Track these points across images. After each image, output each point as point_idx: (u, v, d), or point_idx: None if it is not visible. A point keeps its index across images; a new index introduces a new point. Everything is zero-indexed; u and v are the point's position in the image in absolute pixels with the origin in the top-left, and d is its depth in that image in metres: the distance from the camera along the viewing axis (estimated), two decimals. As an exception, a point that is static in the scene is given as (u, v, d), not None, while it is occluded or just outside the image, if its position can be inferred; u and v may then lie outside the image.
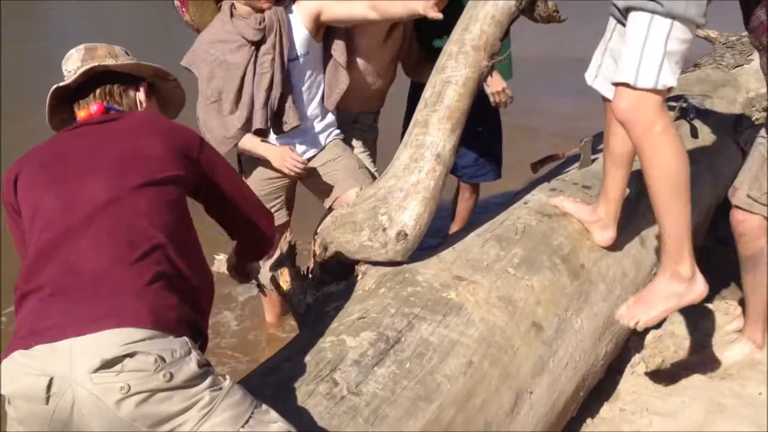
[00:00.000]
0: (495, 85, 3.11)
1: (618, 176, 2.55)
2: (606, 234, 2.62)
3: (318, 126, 3.06)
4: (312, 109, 3.02)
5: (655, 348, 2.91)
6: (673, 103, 3.66)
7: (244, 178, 2.97)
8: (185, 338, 1.46)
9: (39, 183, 1.62)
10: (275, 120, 2.92)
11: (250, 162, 3.04)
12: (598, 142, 3.04)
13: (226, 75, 2.87)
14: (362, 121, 3.27)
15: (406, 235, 2.29)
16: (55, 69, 1.95)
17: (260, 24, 2.83)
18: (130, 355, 1.37)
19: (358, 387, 1.79)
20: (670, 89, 2.09)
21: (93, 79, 1.81)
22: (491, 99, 3.17)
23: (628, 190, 2.64)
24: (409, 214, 2.31)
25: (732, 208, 2.72)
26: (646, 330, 2.98)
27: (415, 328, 2.01)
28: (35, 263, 1.52)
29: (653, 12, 2.01)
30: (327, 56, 3.02)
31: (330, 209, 2.90)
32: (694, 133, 3.57)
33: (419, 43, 3.26)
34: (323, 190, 3.05)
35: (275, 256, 2.62)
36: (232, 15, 2.87)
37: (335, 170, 3.02)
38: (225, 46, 2.87)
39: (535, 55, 6.55)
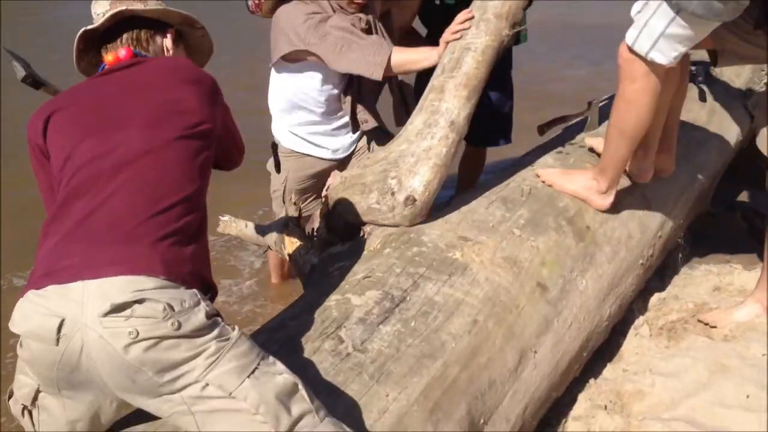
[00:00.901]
0: None
1: (629, 153, 2.56)
2: (607, 200, 2.60)
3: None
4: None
5: (659, 310, 2.93)
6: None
7: (280, 173, 2.98)
8: (195, 290, 1.48)
9: (73, 129, 1.62)
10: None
11: (294, 158, 2.96)
12: (606, 105, 3.01)
13: (338, 22, 2.70)
14: None
15: (415, 200, 2.29)
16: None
17: (365, 24, 2.76)
18: (140, 301, 1.39)
19: (363, 344, 1.80)
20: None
21: (121, 24, 1.80)
22: None
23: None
24: (419, 180, 2.31)
25: None
26: (651, 293, 3.01)
27: (420, 288, 2.02)
28: (62, 205, 1.54)
29: None
30: None
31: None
32: (702, 97, 3.55)
33: (429, 37, 3.24)
34: None
35: (281, 218, 2.64)
36: (334, 11, 2.75)
37: None
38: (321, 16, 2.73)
39: (549, 21, 6.49)
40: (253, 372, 1.46)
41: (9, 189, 4.32)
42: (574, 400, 2.47)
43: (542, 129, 3.08)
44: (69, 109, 1.66)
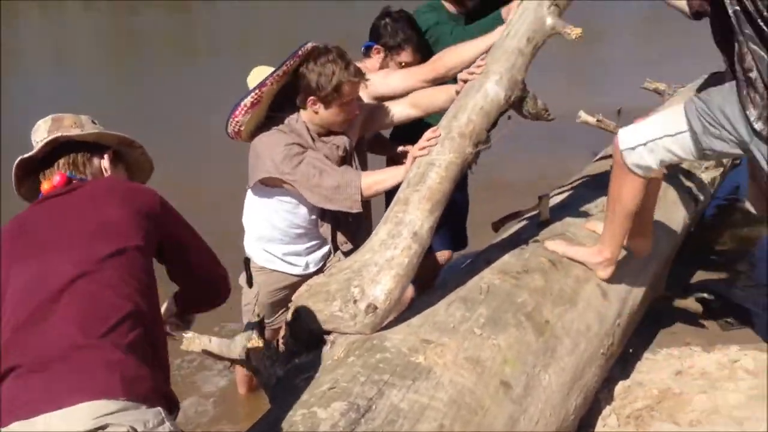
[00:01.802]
0: None
1: (628, 225, 2.82)
2: (609, 271, 2.88)
3: None
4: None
5: (624, 399, 2.96)
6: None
7: (252, 287, 2.96)
8: (159, 408, 1.49)
9: (6, 261, 1.64)
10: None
11: (266, 273, 2.99)
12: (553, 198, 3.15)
13: (314, 157, 2.77)
14: None
15: (376, 308, 2.33)
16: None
17: (342, 151, 2.85)
18: (102, 427, 1.40)
19: (331, 459, 1.80)
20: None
21: (58, 149, 1.84)
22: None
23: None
24: (381, 289, 2.36)
25: None
26: (615, 381, 3.05)
27: (385, 395, 2.04)
28: (9, 343, 1.53)
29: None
30: None
31: None
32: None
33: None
34: None
35: (245, 331, 2.64)
36: (313, 139, 2.82)
37: None
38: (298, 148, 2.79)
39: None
40: None
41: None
42: (547, 498, 2.46)
43: (497, 226, 3.18)
44: (2, 241, 1.68)
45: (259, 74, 2.88)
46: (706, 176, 4.23)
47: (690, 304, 3.61)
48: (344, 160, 2.87)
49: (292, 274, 2.97)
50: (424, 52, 3.22)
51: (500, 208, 3.64)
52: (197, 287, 1.99)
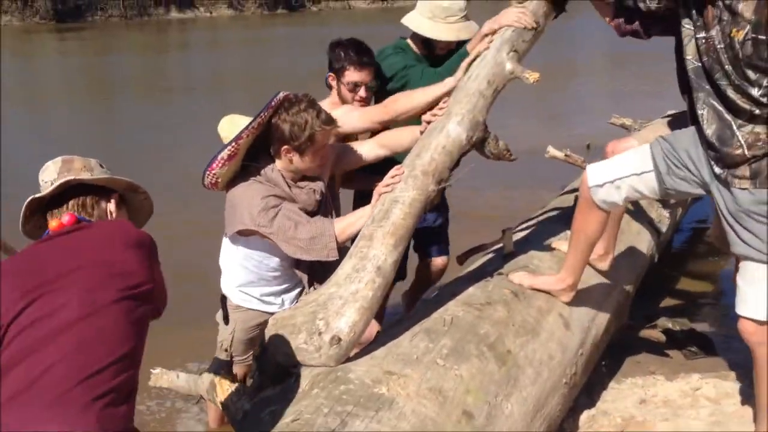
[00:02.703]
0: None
1: (588, 253, 2.95)
2: (570, 295, 2.99)
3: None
4: None
5: (589, 427, 3.02)
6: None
7: (229, 324, 3.03)
8: None
9: (12, 295, 1.67)
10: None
11: (242, 311, 3.04)
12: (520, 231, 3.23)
13: (289, 209, 2.85)
14: None
15: (340, 340, 2.38)
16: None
17: (319, 195, 2.94)
18: None
19: (292, 488, 1.83)
20: None
21: (67, 191, 1.91)
22: None
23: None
24: (345, 321, 2.42)
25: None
26: (580, 410, 3.10)
27: (348, 426, 2.07)
28: (4, 371, 1.57)
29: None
30: None
31: None
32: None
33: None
34: None
35: (213, 366, 2.67)
36: (289, 186, 2.89)
37: None
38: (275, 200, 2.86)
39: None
40: None
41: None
42: None
43: (461, 259, 3.24)
44: (9, 274, 1.72)
45: (230, 123, 2.96)
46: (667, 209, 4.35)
47: (654, 333, 3.68)
48: (320, 203, 2.95)
49: (267, 312, 3.01)
50: (370, 69, 3.30)
51: (468, 241, 3.72)
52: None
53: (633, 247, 3.78)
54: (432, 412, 2.23)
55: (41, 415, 1.50)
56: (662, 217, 4.23)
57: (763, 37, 2.30)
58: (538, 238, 3.48)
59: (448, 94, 2.87)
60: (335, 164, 3.13)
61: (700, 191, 2.69)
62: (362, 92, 3.27)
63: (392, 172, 2.69)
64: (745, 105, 2.41)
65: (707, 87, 2.51)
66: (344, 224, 2.83)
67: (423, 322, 2.66)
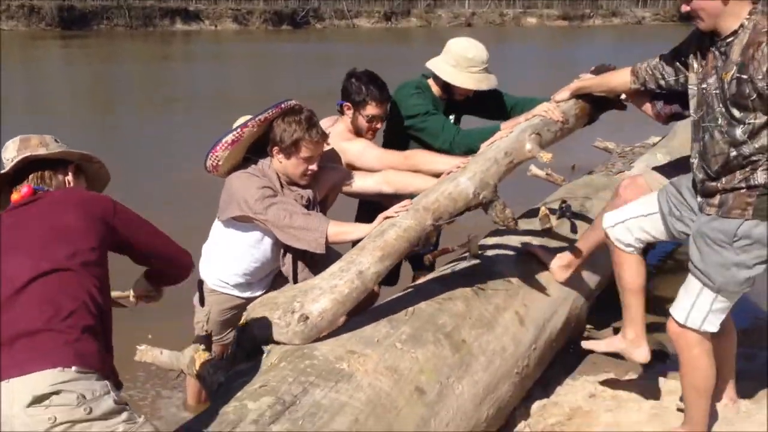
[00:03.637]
0: None
1: (637, 303, 3.12)
2: (642, 351, 3.14)
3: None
4: None
5: (540, 416, 3.27)
6: (553, 207, 4.20)
7: (204, 306, 3.29)
8: (105, 382, 1.79)
9: None
10: None
11: (217, 294, 3.29)
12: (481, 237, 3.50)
13: (284, 199, 3.11)
14: None
15: (307, 318, 2.63)
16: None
17: (306, 201, 3.18)
18: (57, 392, 1.70)
19: (255, 441, 2.09)
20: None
21: (28, 166, 2.16)
22: None
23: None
24: (317, 307, 2.67)
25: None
26: (532, 399, 3.36)
27: (309, 393, 2.33)
28: None
29: (703, 284, 2.75)
30: None
31: None
32: (574, 229, 4.07)
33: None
34: None
35: (192, 344, 2.93)
36: (282, 186, 3.15)
37: None
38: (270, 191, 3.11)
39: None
40: None
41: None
42: (460, 498, 2.74)
43: (429, 260, 3.50)
44: None
45: (245, 120, 3.24)
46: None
47: (603, 333, 3.95)
48: (307, 209, 3.17)
49: (240, 297, 3.27)
50: (387, 103, 3.58)
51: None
52: (159, 269, 2.35)
53: (595, 258, 4.03)
54: (386, 386, 2.49)
55: (28, 354, 1.74)
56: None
57: (745, 76, 2.53)
58: (503, 247, 3.74)
59: None
60: (333, 187, 3.39)
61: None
62: (378, 125, 3.56)
63: (400, 204, 2.97)
64: (724, 147, 2.64)
65: (700, 134, 2.76)
66: (339, 229, 3.06)
67: (386, 312, 2.92)
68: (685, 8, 2.70)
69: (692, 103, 2.80)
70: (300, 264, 3.27)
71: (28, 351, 1.75)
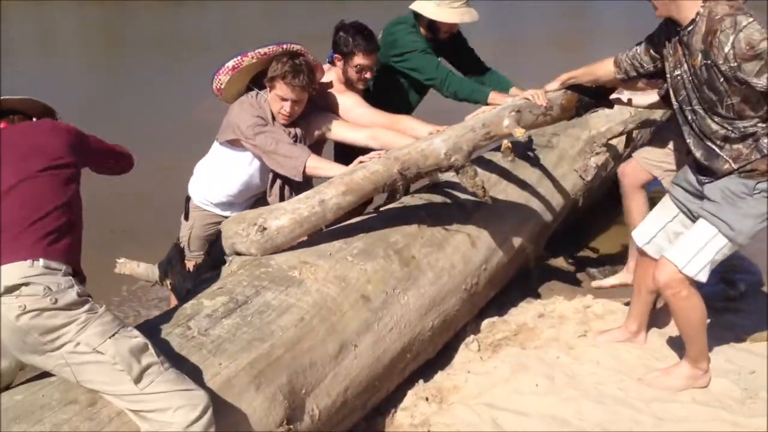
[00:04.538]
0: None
1: (645, 302, 3.37)
2: (641, 337, 3.41)
3: None
4: None
5: (489, 332, 3.54)
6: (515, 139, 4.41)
7: (188, 220, 3.55)
8: (70, 277, 2.06)
9: None
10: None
11: (200, 209, 3.53)
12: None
13: (274, 129, 3.33)
14: None
15: (265, 229, 2.89)
16: None
17: (293, 137, 3.37)
18: (26, 284, 1.98)
19: (206, 331, 2.37)
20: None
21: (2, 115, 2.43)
22: None
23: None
24: (276, 223, 2.93)
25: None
26: (483, 316, 3.63)
27: (261, 295, 2.62)
28: None
29: (719, 230, 2.87)
30: None
31: None
32: (536, 162, 4.29)
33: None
34: None
35: (167, 257, 3.22)
36: (274, 118, 3.34)
37: None
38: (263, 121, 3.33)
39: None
40: (113, 335, 2.04)
41: None
42: (404, 396, 3.04)
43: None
44: None
45: None
46: (598, 158, 4.81)
47: (562, 263, 4.20)
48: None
49: (221, 215, 3.52)
50: (376, 54, 3.70)
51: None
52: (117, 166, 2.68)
53: (556, 187, 4.26)
54: (333, 293, 2.76)
55: (5, 249, 2.01)
56: (589, 167, 4.70)
57: (710, 62, 2.73)
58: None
59: None
60: (322, 134, 3.57)
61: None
62: (368, 75, 3.70)
63: (375, 152, 3.20)
64: (717, 127, 2.83)
65: (688, 117, 2.95)
66: (318, 164, 3.30)
67: (343, 229, 3.18)
68: None
69: (671, 90, 2.99)
70: (287, 193, 3.51)
71: (4, 244, 2.03)
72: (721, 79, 2.73)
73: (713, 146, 2.89)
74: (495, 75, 4.14)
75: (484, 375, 3.10)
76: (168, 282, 3.11)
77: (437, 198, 3.65)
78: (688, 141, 3.00)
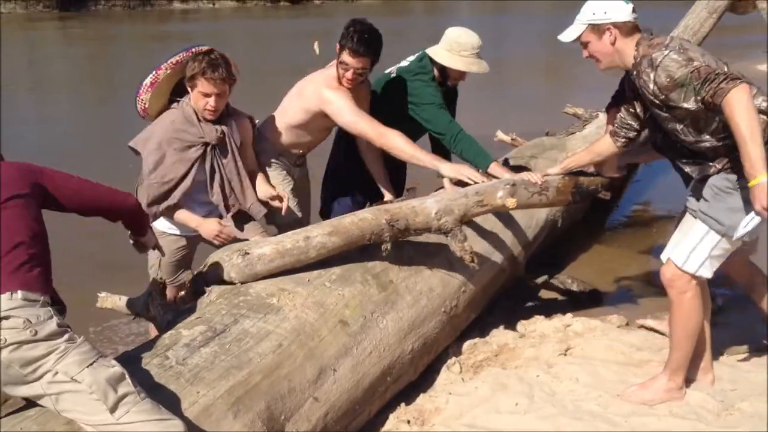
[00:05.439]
0: None
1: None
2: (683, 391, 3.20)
3: None
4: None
5: (470, 353, 3.58)
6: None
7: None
8: (49, 308, 2.11)
9: None
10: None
11: (164, 237, 3.51)
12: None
13: (173, 166, 3.37)
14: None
15: (246, 254, 2.93)
16: None
17: (221, 133, 3.43)
18: (5, 317, 2.03)
19: (184, 360, 2.41)
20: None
21: None
22: None
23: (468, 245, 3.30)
24: (259, 251, 2.98)
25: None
26: (465, 338, 3.67)
27: (239, 323, 2.65)
28: None
29: (710, 228, 2.95)
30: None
31: None
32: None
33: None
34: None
35: (146, 290, 3.26)
36: (199, 120, 3.38)
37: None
38: (179, 143, 3.39)
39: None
40: (91, 364, 2.08)
41: None
42: (386, 420, 3.07)
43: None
44: None
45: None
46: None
47: (543, 283, 4.26)
48: (222, 141, 3.44)
49: (185, 236, 3.56)
50: (363, 59, 3.72)
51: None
52: (113, 216, 2.64)
53: (533, 211, 4.33)
54: (311, 318, 2.81)
55: None
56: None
57: (663, 97, 2.87)
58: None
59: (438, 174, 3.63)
60: (245, 142, 3.60)
61: None
62: (349, 75, 3.71)
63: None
64: (697, 147, 2.95)
65: (674, 146, 3.06)
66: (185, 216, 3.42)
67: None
68: (585, 54, 3.10)
69: (653, 128, 3.15)
70: (227, 188, 3.52)
71: None
72: (664, 109, 2.91)
73: (704, 162, 3.00)
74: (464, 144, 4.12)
75: (465, 396, 3.13)
76: (149, 315, 3.14)
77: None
78: (687, 170, 3.09)
